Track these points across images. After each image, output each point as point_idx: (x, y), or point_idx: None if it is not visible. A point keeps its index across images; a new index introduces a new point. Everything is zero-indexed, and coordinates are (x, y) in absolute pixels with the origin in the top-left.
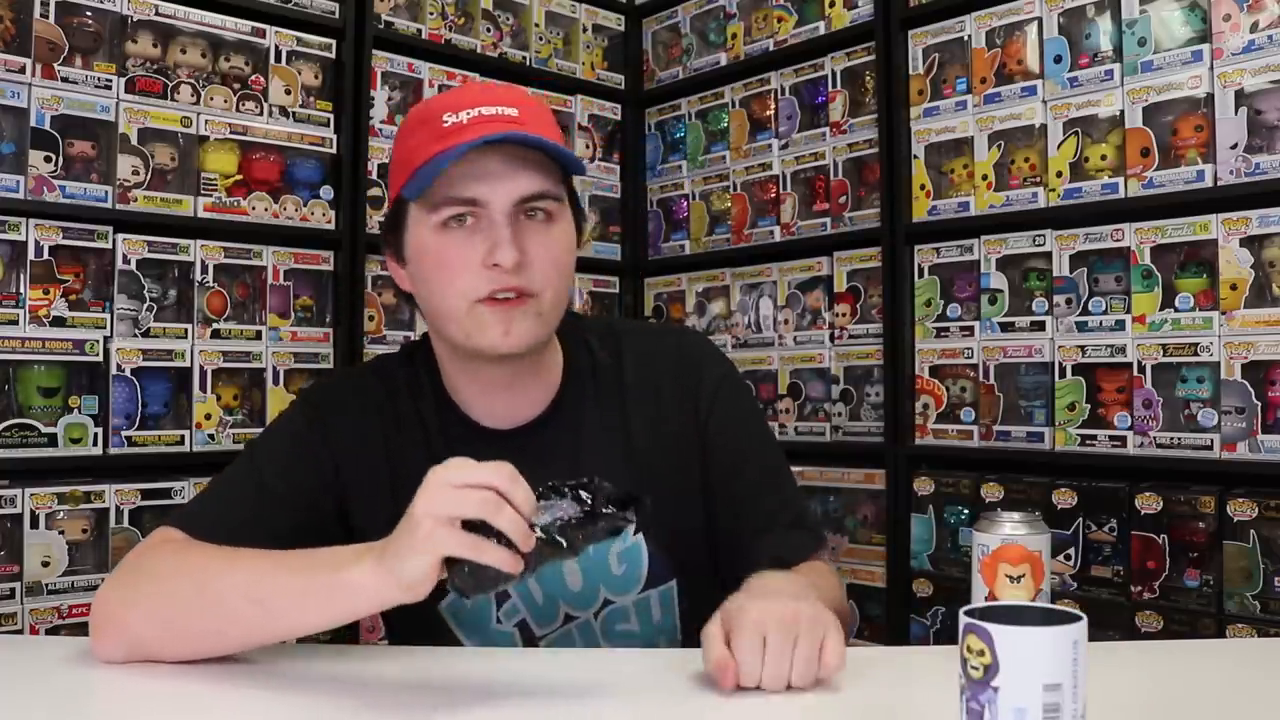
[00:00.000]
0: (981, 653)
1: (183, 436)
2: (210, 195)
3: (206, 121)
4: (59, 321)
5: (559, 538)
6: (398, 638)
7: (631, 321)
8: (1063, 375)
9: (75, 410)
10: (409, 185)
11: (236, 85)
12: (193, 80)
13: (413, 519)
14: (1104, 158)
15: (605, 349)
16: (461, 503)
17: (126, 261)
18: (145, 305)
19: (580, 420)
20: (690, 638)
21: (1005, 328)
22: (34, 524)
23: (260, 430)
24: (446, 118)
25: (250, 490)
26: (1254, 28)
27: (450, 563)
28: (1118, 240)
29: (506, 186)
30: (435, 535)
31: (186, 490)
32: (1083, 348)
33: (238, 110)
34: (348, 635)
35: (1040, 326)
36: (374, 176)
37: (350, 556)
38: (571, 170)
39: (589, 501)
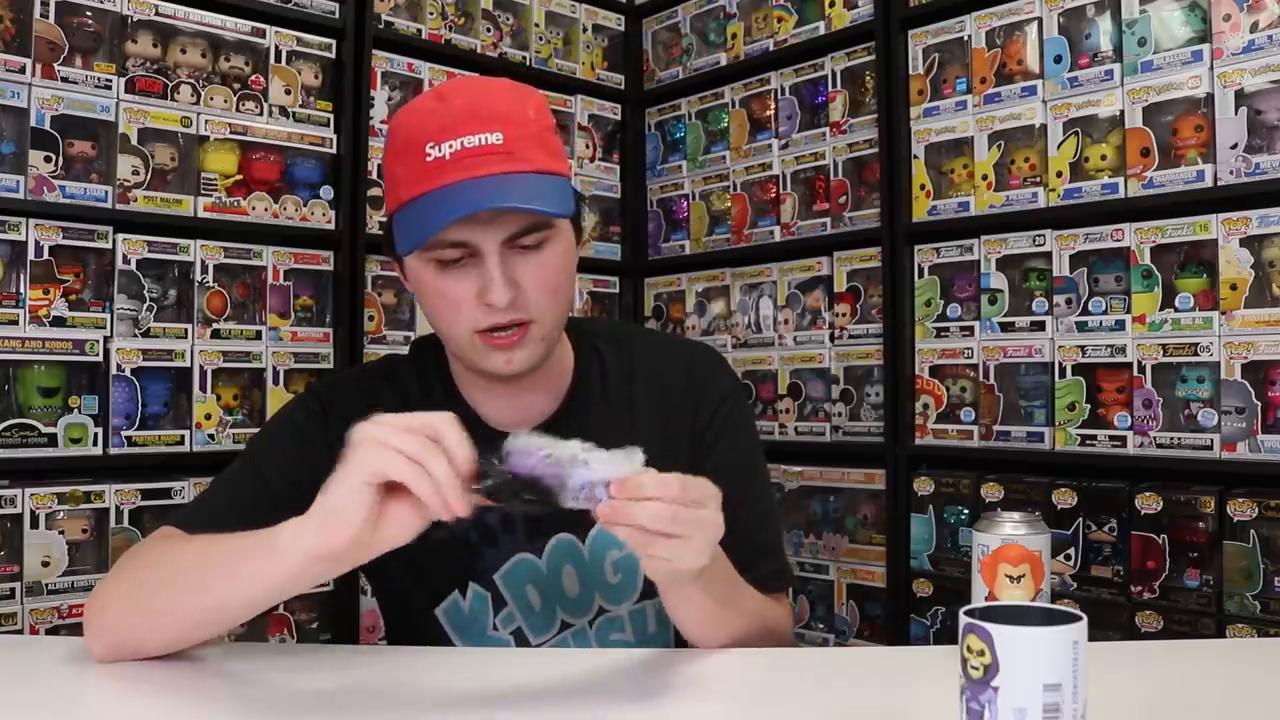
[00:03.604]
0: (981, 653)
1: (183, 436)
2: (210, 195)
3: (206, 121)
4: (59, 321)
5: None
6: (395, 642)
7: (644, 329)
8: (1063, 375)
9: (75, 410)
10: (399, 233)
11: (236, 85)
12: (193, 80)
13: (346, 450)
14: (1104, 158)
15: (615, 355)
16: (399, 439)
17: (126, 261)
18: (145, 305)
19: (587, 424)
20: None
21: (1005, 328)
22: (34, 524)
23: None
24: (429, 150)
25: (249, 486)
26: (1254, 28)
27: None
28: (1118, 240)
29: (495, 228)
30: (364, 455)
31: (186, 490)
32: (1083, 348)
33: (238, 110)
34: (348, 635)
35: (1040, 326)
36: (374, 176)
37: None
38: (558, 215)
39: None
